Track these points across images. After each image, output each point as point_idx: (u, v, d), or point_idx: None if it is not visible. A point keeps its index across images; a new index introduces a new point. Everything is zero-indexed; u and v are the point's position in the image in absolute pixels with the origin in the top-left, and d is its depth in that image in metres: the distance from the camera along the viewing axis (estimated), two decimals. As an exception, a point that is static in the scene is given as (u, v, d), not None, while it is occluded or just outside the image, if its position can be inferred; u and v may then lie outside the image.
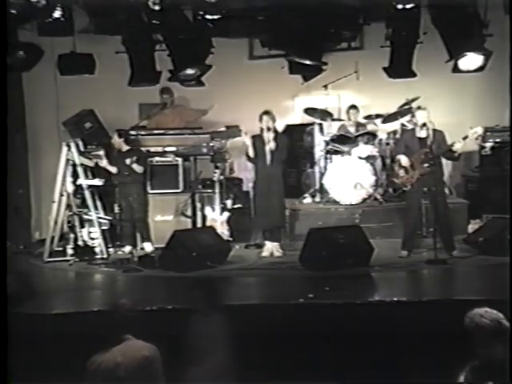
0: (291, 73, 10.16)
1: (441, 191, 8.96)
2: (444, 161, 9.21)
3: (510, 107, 9.02)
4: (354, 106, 10.91)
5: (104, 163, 9.54)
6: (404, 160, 8.69)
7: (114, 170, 9.52)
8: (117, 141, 9.67)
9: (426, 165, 8.50)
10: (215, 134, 10.12)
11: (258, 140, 9.06)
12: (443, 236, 8.55)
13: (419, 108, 8.82)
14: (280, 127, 10.36)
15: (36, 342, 6.07)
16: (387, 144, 10.53)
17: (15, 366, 4.73)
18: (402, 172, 8.78)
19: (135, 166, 9.46)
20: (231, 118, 10.41)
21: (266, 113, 9.00)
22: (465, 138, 8.43)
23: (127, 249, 9.45)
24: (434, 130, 8.60)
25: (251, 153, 8.99)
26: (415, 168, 8.64)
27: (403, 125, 10.38)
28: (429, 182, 8.55)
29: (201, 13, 9.10)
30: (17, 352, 4.98)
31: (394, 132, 10.54)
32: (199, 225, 9.87)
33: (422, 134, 8.63)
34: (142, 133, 10.35)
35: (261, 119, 8.99)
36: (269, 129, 8.92)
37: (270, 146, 8.92)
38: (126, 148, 9.68)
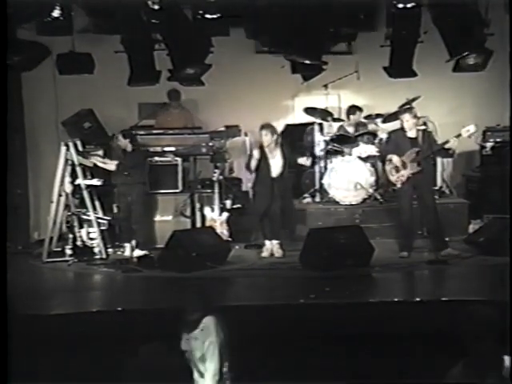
0: (294, 72, 10.12)
1: (431, 190, 9.05)
2: (445, 160, 9.22)
3: (511, 107, 8.98)
4: (358, 108, 10.87)
5: (100, 162, 9.47)
6: (396, 159, 8.69)
7: (112, 167, 9.44)
8: (122, 142, 9.55)
9: (416, 164, 8.52)
10: (215, 134, 10.09)
11: (264, 154, 9.01)
12: (434, 235, 8.60)
13: (405, 110, 8.87)
14: (280, 127, 10.35)
15: (35, 343, 6.04)
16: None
17: (15, 367, 4.71)
18: (393, 171, 8.78)
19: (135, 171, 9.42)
20: (231, 118, 10.37)
21: (266, 126, 8.91)
22: (458, 136, 8.44)
23: (126, 249, 9.41)
24: (424, 131, 8.64)
25: (253, 165, 8.95)
26: (406, 167, 8.64)
27: (404, 124, 10.34)
28: (420, 180, 8.59)
29: (200, 12, 9.08)
30: (16, 352, 4.95)
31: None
32: (198, 225, 9.83)
33: (412, 133, 8.66)
34: (141, 132, 10.30)
35: (261, 134, 8.90)
36: (270, 143, 8.87)
37: (275, 159, 8.88)
38: (130, 148, 9.56)
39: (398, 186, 8.76)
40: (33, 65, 9.50)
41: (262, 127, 8.90)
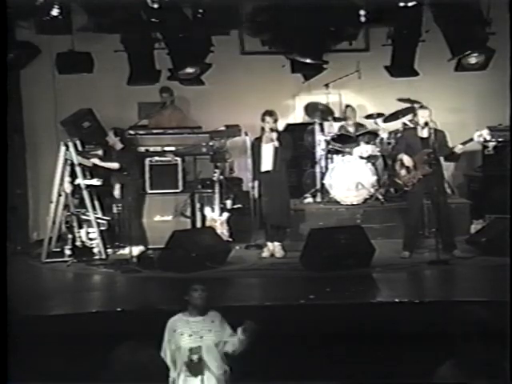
0: (293, 71, 10.08)
1: (442, 191, 8.91)
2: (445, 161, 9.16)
3: (511, 106, 8.95)
4: (348, 106, 10.85)
5: (103, 163, 9.43)
6: (406, 159, 8.61)
7: (115, 165, 9.39)
8: (112, 139, 9.54)
9: (427, 165, 8.44)
10: (215, 134, 10.04)
11: (258, 142, 8.99)
12: (444, 236, 8.49)
13: (422, 107, 8.73)
14: (281, 127, 10.31)
15: (35, 343, 6.01)
16: (388, 143, 10.45)
17: (14, 367, 4.68)
18: (403, 172, 8.71)
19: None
20: (231, 118, 10.33)
21: (269, 113, 8.90)
22: (469, 140, 8.35)
23: (126, 250, 9.37)
24: (436, 130, 8.52)
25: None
26: (417, 168, 8.57)
27: (405, 124, 10.31)
28: (431, 182, 8.49)
29: (200, 11, 9.04)
30: (16, 352, 4.92)
31: (396, 131, 10.47)
32: (199, 225, 9.79)
33: (423, 133, 8.57)
34: (141, 132, 10.27)
35: (263, 119, 8.89)
36: (272, 130, 8.84)
37: (274, 145, 8.82)
38: (120, 146, 9.54)
39: (409, 187, 8.69)
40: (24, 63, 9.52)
41: (265, 113, 8.87)
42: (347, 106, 10.89)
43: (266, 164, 8.91)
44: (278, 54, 9.88)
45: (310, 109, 10.75)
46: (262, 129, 8.95)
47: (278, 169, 8.89)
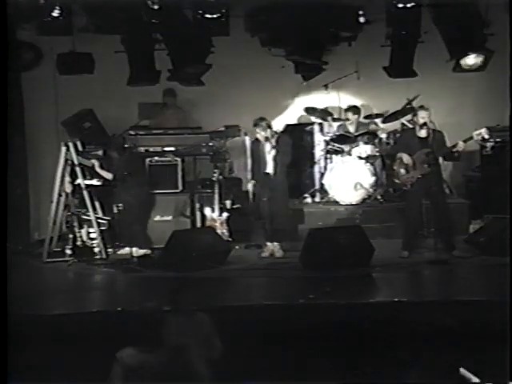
0: (297, 72, 10.11)
1: (441, 191, 8.94)
2: (444, 161, 9.19)
3: (511, 107, 8.98)
4: (354, 107, 10.85)
5: (99, 168, 9.43)
6: (406, 158, 8.62)
7: (109, 176, 9.39)
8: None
9: (426, 165, 8.47)
10: (214, 134, 10.07)
11: (255, 145, 9.01)
12: (443, 236, 8.52)
13: (422, 107, 8.75)
14: (280, 127, 10.34)
15: (35, 343, 6.04)
16: (387, 144, 10.48)
17: (15, 367, 4.71)
18: (402, 171, 8.73)
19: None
20: (230, 118, 10.36)
21: (256, 124, 8.84)
22: (469, 139, 8.38)
23: (126, 249, 9.39)
24: (434, 130, 8.55)
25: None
26: (416, 167, 8.60)
27: (404, 124, 10.34)
28: (429, 182, 8.52)
29: (200, 12, 9.08)
30: (16, 352, 4.95)
31: (395, 132, 10.50)
32: (199, 225, 9.81)
33: (422, 133, 8.59)
34: (141, 132, 10.28)
35: (255, 126, 8.86)
36: (267, 138, 8.84)
37: (271, 153, 8.83)
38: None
39: (408, 186, 8.72)
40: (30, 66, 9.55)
41: (256, 124, 8.86)
42: (351, 106, 10.90)
43: (266, 166, 8.93)
44: (277, 54, 9.89)
45: (309, 113, 10.78)
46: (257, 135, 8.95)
47: (277, 172, 8.89)
